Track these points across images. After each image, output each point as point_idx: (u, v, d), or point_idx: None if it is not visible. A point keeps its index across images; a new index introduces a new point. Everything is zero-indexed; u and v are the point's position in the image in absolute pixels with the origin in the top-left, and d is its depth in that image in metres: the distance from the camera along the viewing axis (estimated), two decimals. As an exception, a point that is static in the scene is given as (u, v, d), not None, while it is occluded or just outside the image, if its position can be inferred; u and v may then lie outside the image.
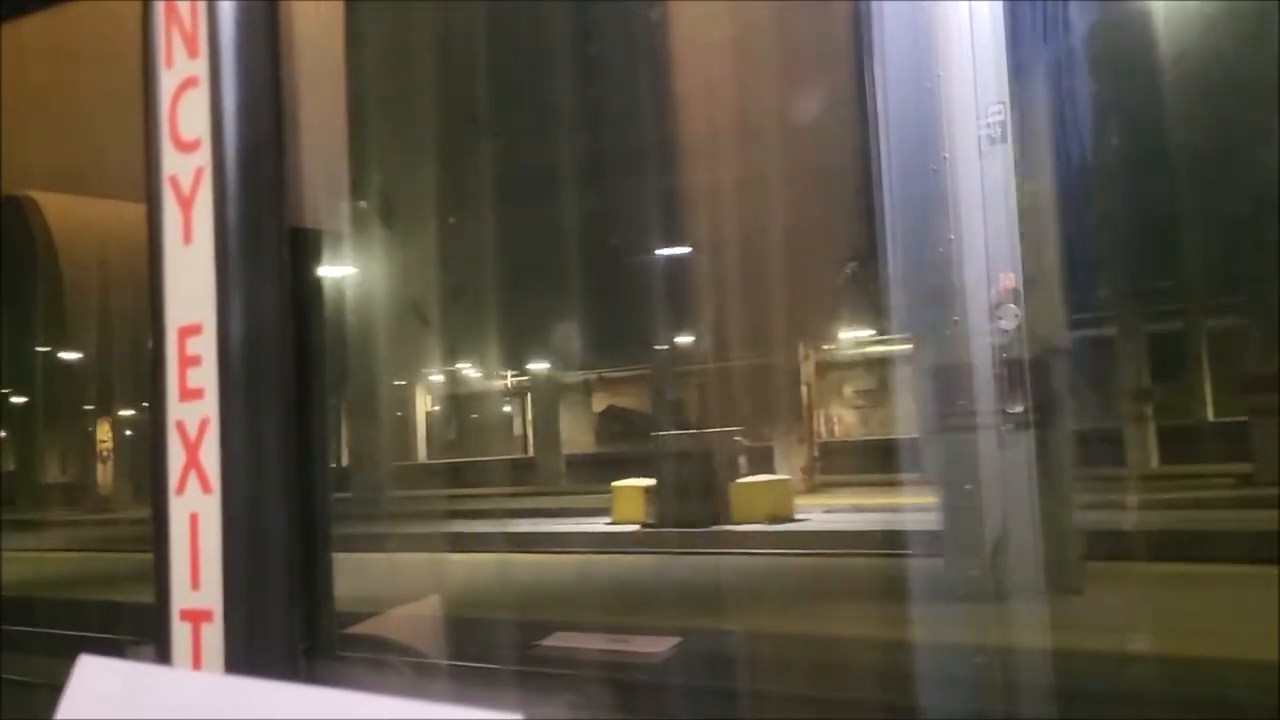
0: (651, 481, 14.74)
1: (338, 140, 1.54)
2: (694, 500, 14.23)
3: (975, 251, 6.39)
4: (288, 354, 1.27)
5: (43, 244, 11.94)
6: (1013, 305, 6.49)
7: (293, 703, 1.00)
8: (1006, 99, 6.12)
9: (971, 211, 6.30)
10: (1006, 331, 6.54)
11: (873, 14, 6.44)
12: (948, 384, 7.87)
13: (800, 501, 15.50)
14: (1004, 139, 6.23)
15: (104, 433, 29.30)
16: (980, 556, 7.81)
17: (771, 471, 17.92)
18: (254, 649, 1.22)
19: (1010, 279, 6.44)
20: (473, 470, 26.24)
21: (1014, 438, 7.56)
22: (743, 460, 15.13)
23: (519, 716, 0.90)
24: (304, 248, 1.42)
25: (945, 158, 6.14)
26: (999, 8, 6.23)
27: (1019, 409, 6.77)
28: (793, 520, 13.72)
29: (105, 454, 29.68)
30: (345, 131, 1.56)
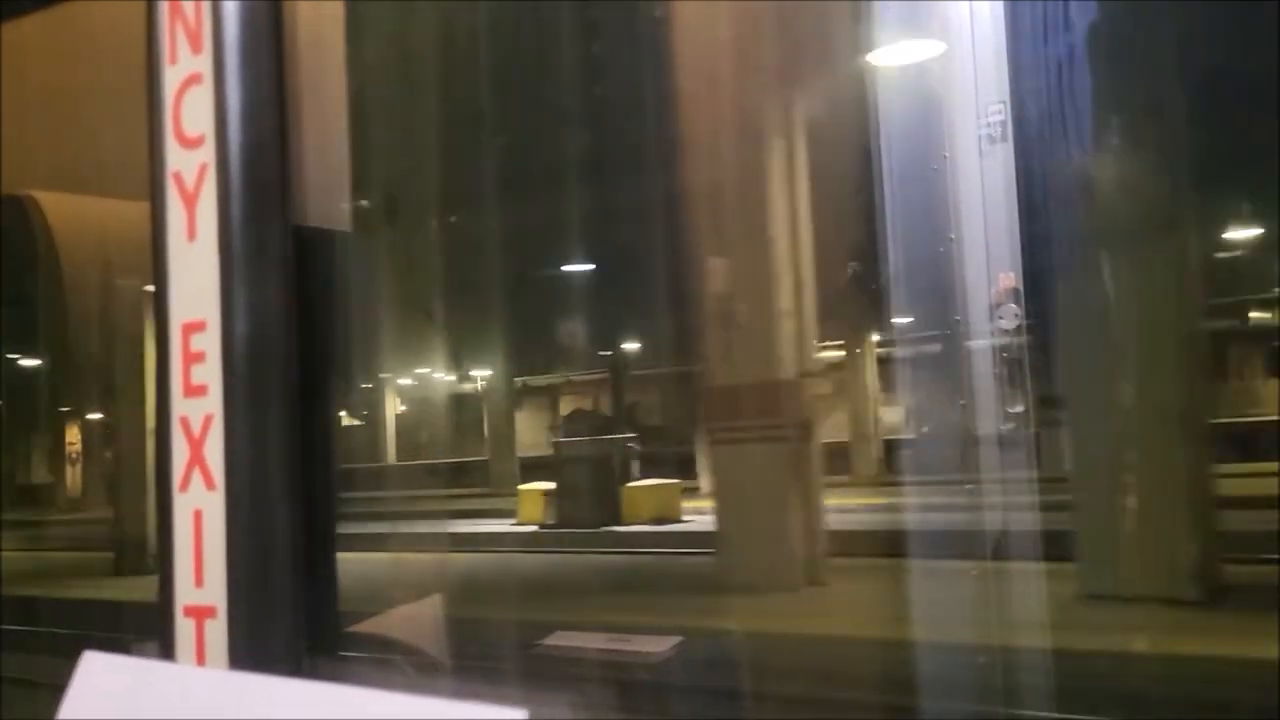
0: (552, 485, 15.81)
1: (339, 139, 1.54)
2: (590, 502, 15.21)
3: (976, 251, 6.39)
4: (292, 351, 1.27)
5: (43, 244, 11.94)
6: (1013, 305, 6.49)
7: (296, 698, 1.00)
8: (1007, 98, 6.12)
9: (972, 211, 6.30)
10: (1007, 331, 6.54)
11: (873, 14, 6.44)
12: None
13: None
14: (1004, 138, 6.24)
15: (73, 435, 29.49)
16: (743, 553, 9.14)
17: (694, 476, 19.59)
18: (257, 645, 1.22)
19: (1010, 278, 6.44)
20: (434, 472, 26.71)
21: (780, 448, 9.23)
22: (636, 464, 16.20)
23: (522, 713, 0.90)
24: (307, 245, 1.42)
25: (946, 157, 6.14)
26: (1000, 7, 6.22)
27: (1019, 408, 6.77)
28: (678, 521, 14.54)
29: (74, 456, 29.86)
30: (346, 130, 1.56)
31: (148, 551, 12.91)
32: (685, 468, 20.21)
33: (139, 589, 11.65)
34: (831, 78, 9.01)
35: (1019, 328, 6.50)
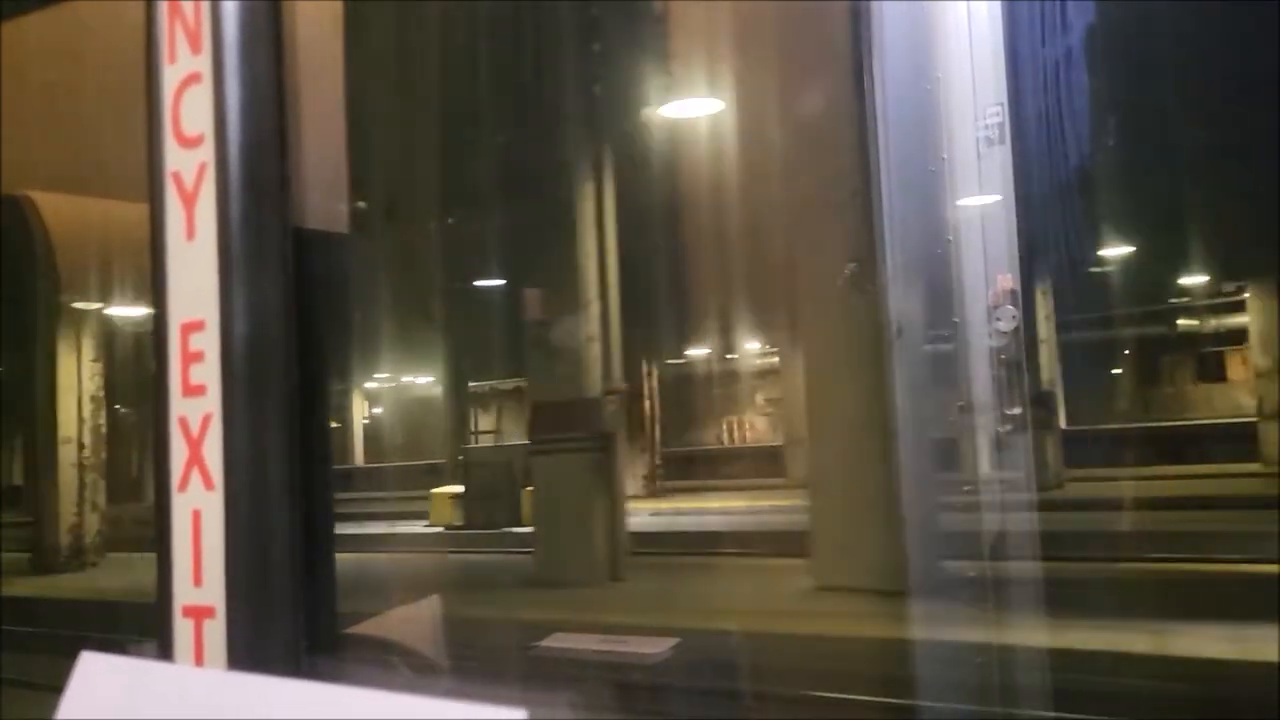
0: (461, 488, 16.82)
1: (338, 140, 1.55)
2: (494, 505, 16.15)
3: (974, 252, 6.40)
4: (291, 351, 1.27)
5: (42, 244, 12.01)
6: (1010, 307, 6.48)
7: (295, 699, 1.00)
8: (1005, 100, 6.12)
9: (970, 213, 6.30)
10: (1004, 333, 6.53)
11: (872, 14, 6.45)
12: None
13: (637, 506, 18.72)
14: (1002, 140, 6.23)
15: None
16: (555, 553, 10.16)
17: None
18: (256, 645, 1.22)
19: (1008, 280, 6.44)
20: (395, 474, 27.13)
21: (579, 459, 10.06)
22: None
23: (522, 713, 0.90)
24: (305, 247, 1.42)
25: (944, 159, 6.14)
26: (997, 7, 6.21)
27: (1017, 410, 6.78)
28: None
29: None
30: (344, 131, 1.56)
31: (60, 553, 13.87)
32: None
33: (24, 587, 12.46)
34: (635, 127, 10.36)
35: (1016, 330, 6.50)
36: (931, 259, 6.36)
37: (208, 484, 1.25)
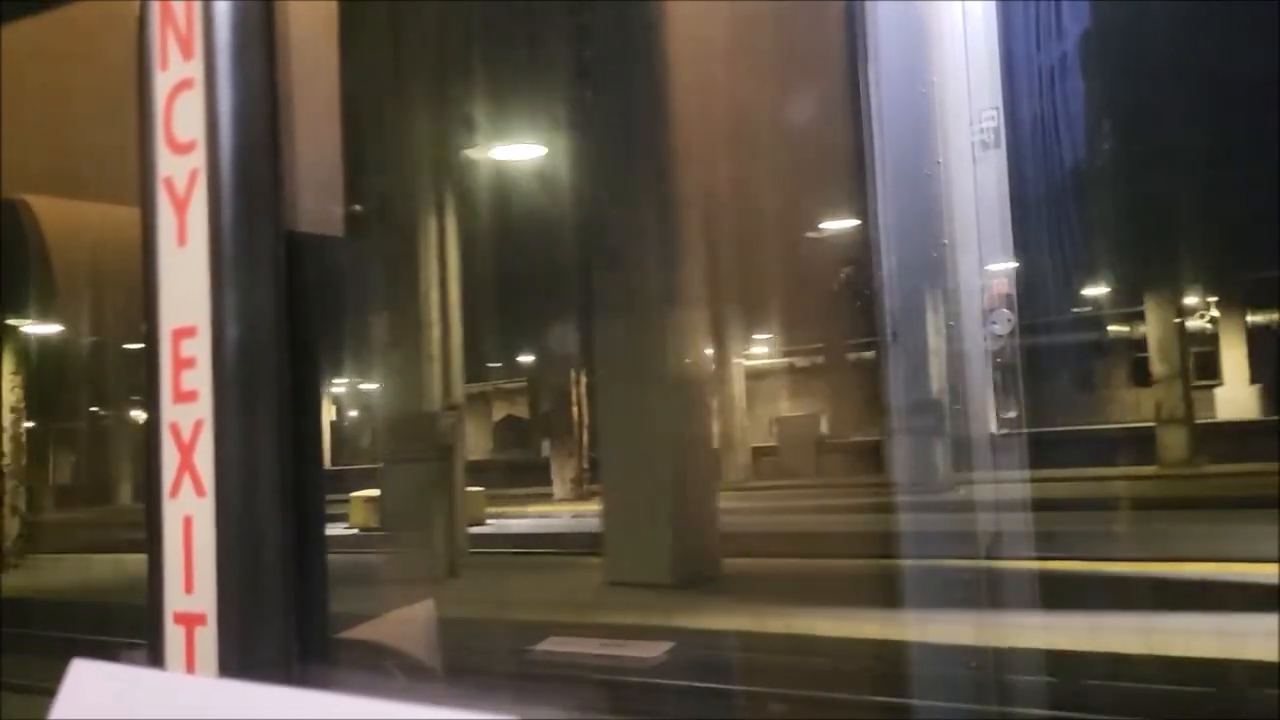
0: (377, 492, 17.12)
1: (332, 142, 1.54)
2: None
3: (969, 256, 6.40)
4: (283, 357, 1.26)
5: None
6: (1006, 310, 6.48)
7: (286, 706, 1.00)
8: (1000, 104, 6.12)
9: (966, 216, 6.30)
10: (1000, 336, 6.53)
11: (866, 16, 6.44)
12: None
13: (561, 509, 20.32)
14: (997, 144, 6.23)
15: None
16: (401, 552, 11.06)
17: (547, 483, 22.58)
18: (247, 653, 1.22)
19: (1004, 283, 6.44)
20: (354, 477, 27.49)
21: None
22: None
23: (514, 718, 0.90)
24: (298, 251, 1.41)
25: (939, 162, 6.13)
26: (992, 9, 6.20)
27: (1012, 413, 6.77)
28: (481, 525, 16.35)
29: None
30: (339, 133, 1.55)
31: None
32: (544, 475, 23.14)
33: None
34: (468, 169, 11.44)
35: (1011, 332, 6.50)
36: (927, 262, 6.35)
37: (199, 490, 1.25)
